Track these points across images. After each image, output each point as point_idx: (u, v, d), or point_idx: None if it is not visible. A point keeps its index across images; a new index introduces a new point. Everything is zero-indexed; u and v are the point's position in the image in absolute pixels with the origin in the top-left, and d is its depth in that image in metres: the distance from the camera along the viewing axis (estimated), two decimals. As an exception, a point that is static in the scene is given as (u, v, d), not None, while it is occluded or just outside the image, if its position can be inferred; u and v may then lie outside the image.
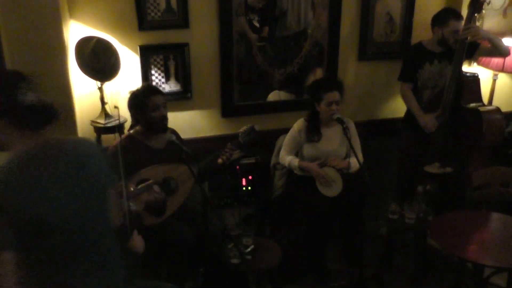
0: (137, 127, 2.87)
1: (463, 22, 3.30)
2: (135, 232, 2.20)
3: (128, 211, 2.25)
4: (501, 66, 3.74)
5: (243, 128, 3.07)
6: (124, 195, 2.27)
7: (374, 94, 3.89)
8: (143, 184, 2.59)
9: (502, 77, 4.01)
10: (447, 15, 3.35)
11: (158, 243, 2.58)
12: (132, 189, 2.56)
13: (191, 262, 2.86)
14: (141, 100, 2.78)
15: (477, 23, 3.86)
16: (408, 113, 3.62)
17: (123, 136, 2.86)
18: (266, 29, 3.50)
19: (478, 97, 3.55)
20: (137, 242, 2.17)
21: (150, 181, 2.61)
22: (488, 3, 3.44)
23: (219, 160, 2.96)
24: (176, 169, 2.75)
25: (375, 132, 3.86)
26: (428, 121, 3.38)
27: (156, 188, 2.60)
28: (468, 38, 3.22)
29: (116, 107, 2.70)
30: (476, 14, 3.33)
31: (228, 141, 3.04)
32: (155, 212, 2.62)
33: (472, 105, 3.50)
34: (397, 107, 3.92)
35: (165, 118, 2.85)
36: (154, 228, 2.57)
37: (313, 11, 3.54)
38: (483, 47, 3.40)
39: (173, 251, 2.70)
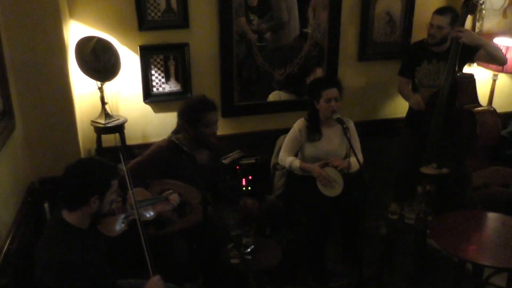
0: (181, 135, 2.81)
1: (443, 18, 3.29)
2: (157, 276, 2.13)
3: (139, 220, 2.21)
4: (500, 67, 3.74)
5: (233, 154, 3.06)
6: (133, 202, 2.24)
7: (374, 94, 3.89)
8: (163, 194, 2.57)
9: (502, 78, 4.01)
10: (434, 11, 3.38)
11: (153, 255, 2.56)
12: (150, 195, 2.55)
13: (189, 268, 2.84)
14: (197, 114, 2.72)
15: (477, 24, 3.87)
16: (409, 112, 3.63)
17: (167, 138, 2.78)
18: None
19: (474, 98, 3.54)
20: (154, 286, 2.10)
21: (170, 191, 2.58)
22: (482, 4, 3.44)
23: None
24: (198, 196, 2.71)
25: (375, 132, 3.86)
26: (417, 97, 3.40)
27: (175, 197, 2.58)
28: (463, 40, 3.22)
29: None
30: (469, 15, 3.34)
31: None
32: (154, 223, 2.60)
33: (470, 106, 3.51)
34: (397, 107, 3.92)
35: (214, 135, 2.81)
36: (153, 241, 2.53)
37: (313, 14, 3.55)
38: (482, 52, 3.39)
39: (166, 265, 2.68)
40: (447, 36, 3.36)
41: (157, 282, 2.11)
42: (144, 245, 2.13)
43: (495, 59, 3.37)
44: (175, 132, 2.89)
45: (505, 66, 3.74)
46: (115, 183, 2.07)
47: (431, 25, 3.36)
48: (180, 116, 2.80)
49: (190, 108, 2.76)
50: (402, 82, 3.60)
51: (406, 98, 3.56)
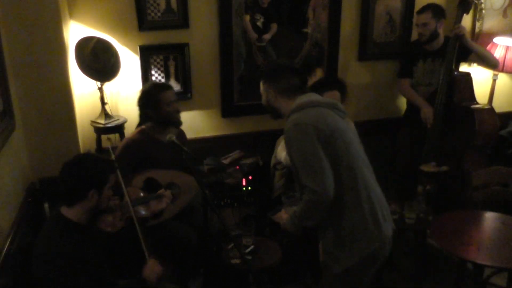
0: (148, 123, 2.85)
1: (424, 15, 3.35)
2: (152, 261, 2.16)
3: (135, 217, 2.23)
4: (501, 66, 3.74)
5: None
6: (128, 201, 2.26)
7: (374, 94, 3.89)
8: (157, 193, 2.58)
9: (502, 77, 4.01)
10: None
11: (162, 242, 2.58)
12: (142, 195, 2.56)
13: (194, 261, 2.85)
14: (155, 96, 2.78)
15: (477, 24, 3.88)
16: (408, 110, 3.64)
17: (135, 130, 2.85)
18: (275, 26, 3.50)
19: (471, 96, 3.55)
20: (152, 269, 2.13)
21: (162, 190, 2.60)
22: (481, 3, 3.46)
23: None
24: (182, 177, 2.73)
25: (375, 132, 3.86)
26: (430, 111, 3.39)
27: (168, 194, 2.60)
28: (464, 36, 3.25)
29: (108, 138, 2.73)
30: (465, 14, 3.37)
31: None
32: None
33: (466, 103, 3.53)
34: (397, 107, 3.92)
35: (178, 112, 2.86)
36: (158, 228, 2.56)
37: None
38: (475, 54, 3.44)
39: (177, 251, 2.70)
40: (436, 31, 3.40)
41: (155, 264, 2.15)
42: (142, 242, 2.15)
43: (486, 62, 3.48)
44: (139, 126, 2.90)
45: (505, 66, 3.75)
46: (112, 177, 2.10)
47: (416, 25, 3.44)
48: (141, 106, 2.84)
49: (148, 94, 2.82)
50: (405, 85, 3.60)
51: (415, 104, 3.53)
